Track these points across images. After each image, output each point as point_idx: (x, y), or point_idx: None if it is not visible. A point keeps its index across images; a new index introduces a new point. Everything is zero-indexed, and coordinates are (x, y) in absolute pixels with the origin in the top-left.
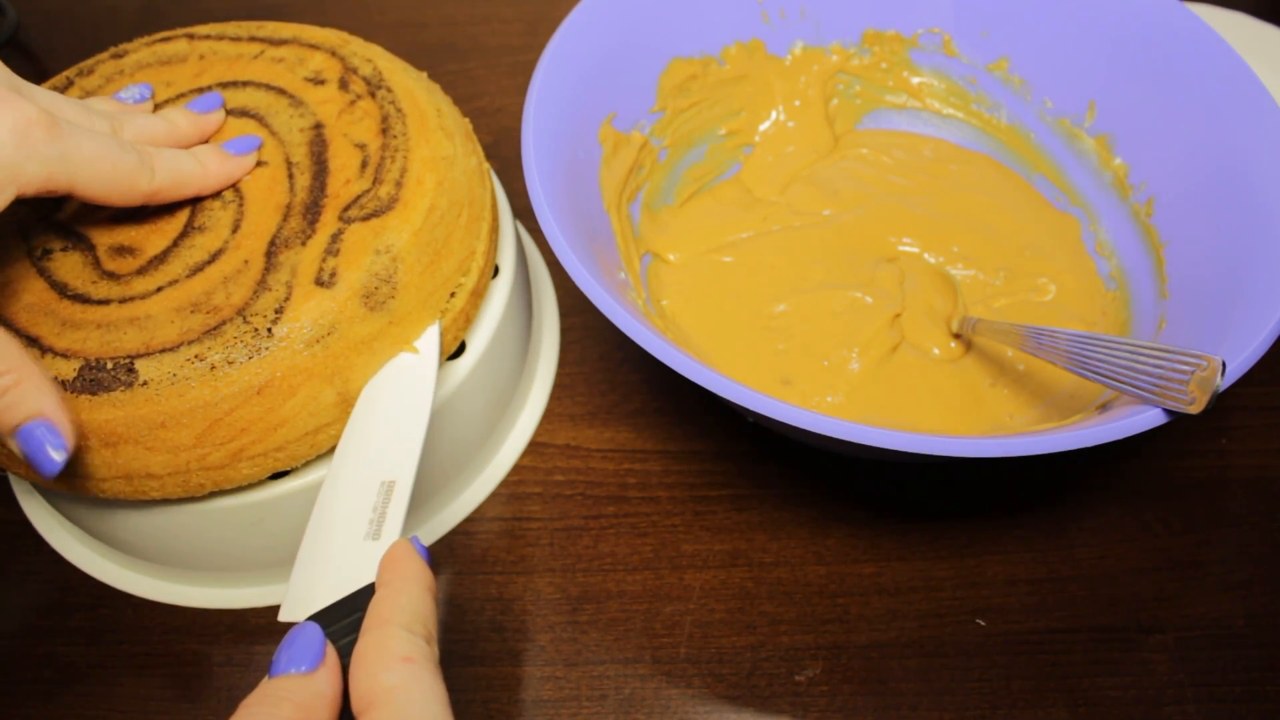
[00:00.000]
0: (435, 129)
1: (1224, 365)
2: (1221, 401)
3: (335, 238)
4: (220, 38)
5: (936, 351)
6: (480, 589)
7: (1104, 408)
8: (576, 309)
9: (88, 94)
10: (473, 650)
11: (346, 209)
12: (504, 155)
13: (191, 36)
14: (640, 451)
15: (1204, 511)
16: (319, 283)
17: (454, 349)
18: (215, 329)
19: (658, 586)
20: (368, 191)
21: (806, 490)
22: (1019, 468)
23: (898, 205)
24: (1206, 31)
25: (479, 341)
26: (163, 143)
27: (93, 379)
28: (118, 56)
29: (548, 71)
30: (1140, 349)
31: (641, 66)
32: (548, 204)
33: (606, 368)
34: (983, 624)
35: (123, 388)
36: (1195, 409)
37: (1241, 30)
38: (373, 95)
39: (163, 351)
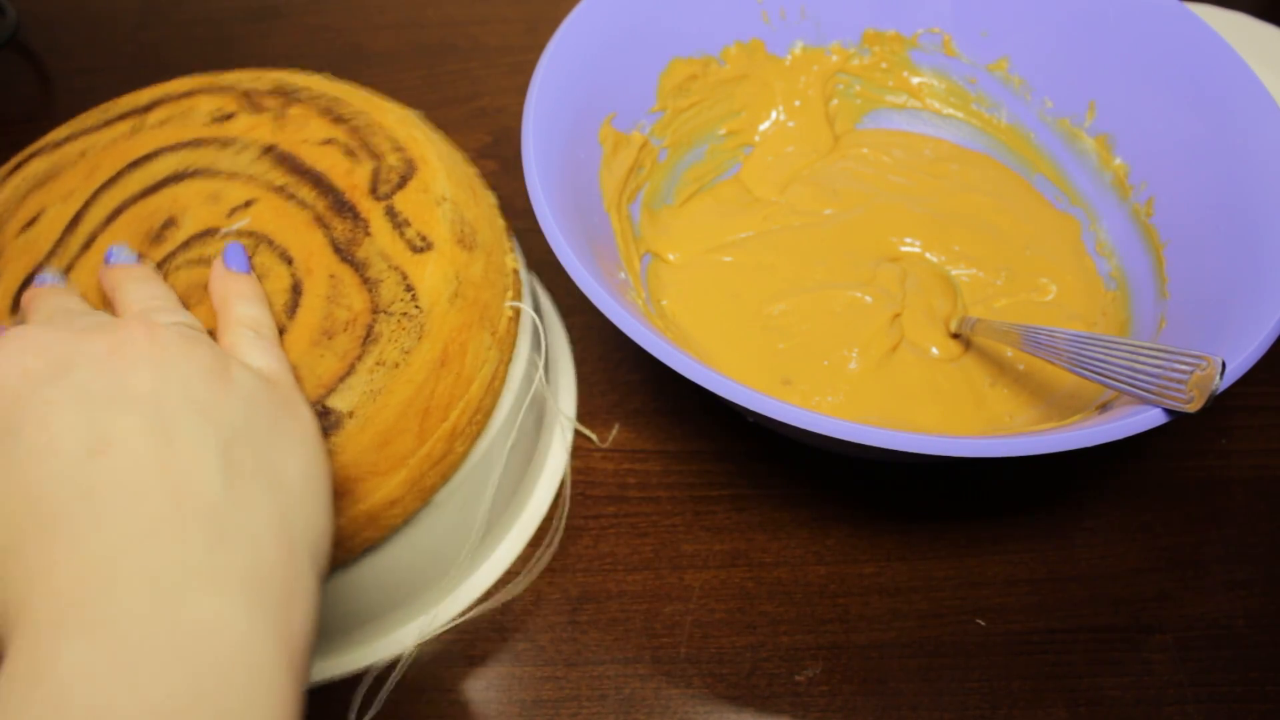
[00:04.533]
0: (373, 95)
1: (1223, 365)
2: (1221, 401)
3: (390, 213)
4: (84, 132)
5: (936, 351)
6: None
7: (1104, 408)
8: (576, 309)
9: None
10: (473, 650)
11: (373, 190)
12: (504, 155)
13: (47, 148)
14: (640, 451)
15: (1204, 511)
16: (415, 250)
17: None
18: (369, 335)
19: (658, 586)
20: (377, 169)
21: (806, 490)
22: (1019, 468)
23: (898, 205)
24: (1206, 31)
25: None
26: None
27: None
28: None
29: (548, 71)
30: (1139, 349)
31: (641, 66)
32: (548, 204)
33: (606, 368)
34: (983, 624)
35: (333, 431)
36: (1193, 408)
37: (1241, 30)
38: (288, 100)
39: (342, 379)
